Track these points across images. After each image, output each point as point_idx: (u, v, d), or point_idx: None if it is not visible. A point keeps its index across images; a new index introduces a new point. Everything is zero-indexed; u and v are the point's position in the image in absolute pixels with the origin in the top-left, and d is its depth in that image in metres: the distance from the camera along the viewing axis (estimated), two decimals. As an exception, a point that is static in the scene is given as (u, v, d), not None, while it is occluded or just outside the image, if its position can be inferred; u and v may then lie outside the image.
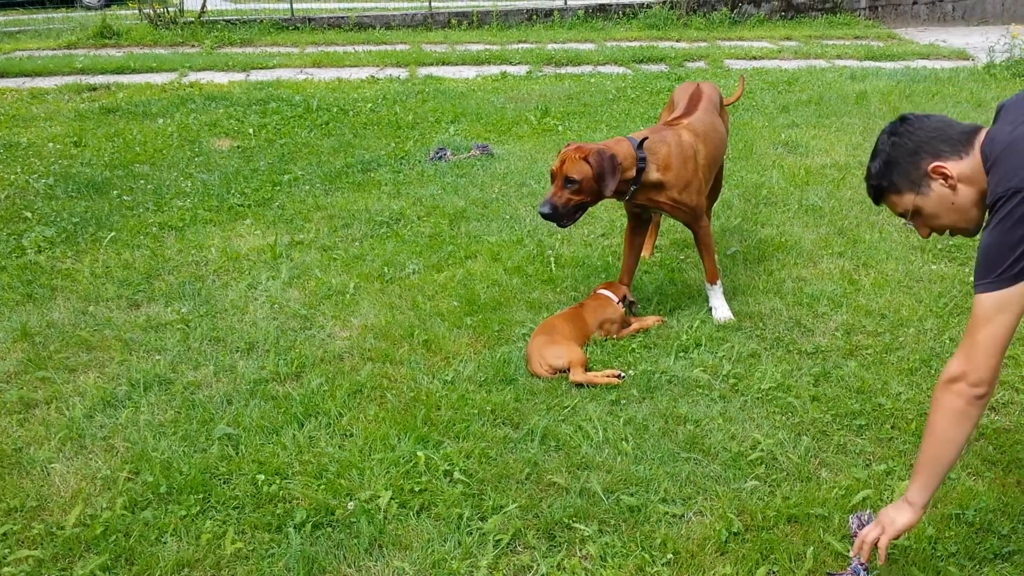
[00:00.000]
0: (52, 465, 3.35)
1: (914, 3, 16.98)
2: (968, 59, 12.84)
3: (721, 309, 4.46)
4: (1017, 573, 2.76)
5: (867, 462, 3.32)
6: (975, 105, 9.04)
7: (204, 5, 16.38)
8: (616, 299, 4.35)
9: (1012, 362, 3.98)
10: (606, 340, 4.23)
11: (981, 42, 13.66)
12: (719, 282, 4.51)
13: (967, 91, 9.76)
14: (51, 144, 8.11)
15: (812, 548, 2.85)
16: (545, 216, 4.06)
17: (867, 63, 12.46)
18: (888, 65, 12.16)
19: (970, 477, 3.21)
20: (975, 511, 3.00)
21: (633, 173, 4.10)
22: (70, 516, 3.04)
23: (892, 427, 3.53)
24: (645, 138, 4.17)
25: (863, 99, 9.44)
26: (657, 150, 4.19)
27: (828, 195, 6.28)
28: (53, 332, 4.43)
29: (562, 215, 4.06)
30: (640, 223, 4.56)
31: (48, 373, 4.03)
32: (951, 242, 5.13)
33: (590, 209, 6.04)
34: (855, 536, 2.65)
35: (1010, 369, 3.93)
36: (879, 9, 16.94)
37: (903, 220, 2.63)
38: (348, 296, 4.79)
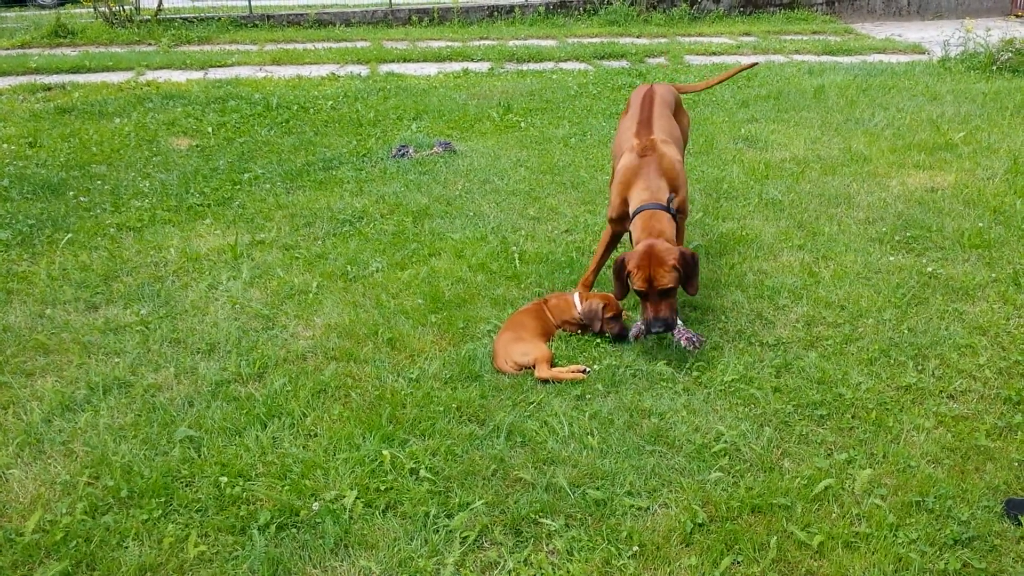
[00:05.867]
0: (10, 471, 3.29)
1: (870, -2, 17.23)
2: (923, 53, 13.05)
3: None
4: (977, 558, 2.81)
5: (828, 451, 3.37)
6: (931, 98, 9.18)
7: (160, 3, 16.15)
8: (603, 304, 4.25)
9: (969, 351, 4.05)
10: (571, 335, 4.24)
11: (936, 36, 13.90)
12: None
13: (923, 84, 9.92)
14: (5, 145, 7.95)
15: (776, 538, 2.88)
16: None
17: (824, 58, 12.62)
18: (845, 60, 12.33)
19: (929, 465, 3.26)
20: (935, 498, 3.06)
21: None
22: (29, 522, 2.99)
23: (852, 417, 3.58)
24: (671, 196, 4.17)
25: (821, 94, 9.55)
26: (678, 185, 4.25)
27: (787, 189, 6.35)
28: (9, 336, 4.35)
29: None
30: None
31: (4, 378, 3.95)
32: (908, 233, 5.20)
33: (553, 204, 6.09)
34: None
35: (967, 358, 4.00)
36: (836, 4, 17.15)
37: None
38: (311, 295, 4.75)
